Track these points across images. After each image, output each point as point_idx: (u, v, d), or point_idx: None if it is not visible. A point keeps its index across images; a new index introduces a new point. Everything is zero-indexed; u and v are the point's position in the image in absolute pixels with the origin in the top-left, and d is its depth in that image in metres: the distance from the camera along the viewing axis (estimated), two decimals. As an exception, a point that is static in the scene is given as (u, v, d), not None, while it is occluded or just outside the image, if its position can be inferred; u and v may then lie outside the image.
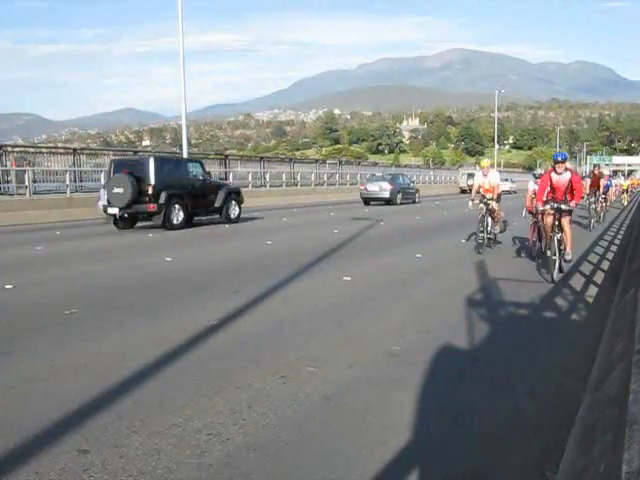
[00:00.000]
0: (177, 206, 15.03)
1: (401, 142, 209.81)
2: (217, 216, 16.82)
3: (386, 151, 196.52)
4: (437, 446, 3.09)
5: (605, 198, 19.44)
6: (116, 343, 4.81)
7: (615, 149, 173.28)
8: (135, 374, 4.02)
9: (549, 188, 8.42)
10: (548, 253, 7.97)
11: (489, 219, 10.86)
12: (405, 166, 54.87)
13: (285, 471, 2.79)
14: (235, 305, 6.08)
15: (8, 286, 7.08)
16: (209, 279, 7.81)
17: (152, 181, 14.54)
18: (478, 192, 11.14)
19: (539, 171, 11.74)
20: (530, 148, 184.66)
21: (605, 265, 9.42)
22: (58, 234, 13.78)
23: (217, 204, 16.59)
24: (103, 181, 18.89)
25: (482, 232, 10.67)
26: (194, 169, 16.48)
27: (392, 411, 3.48)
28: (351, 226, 15.48)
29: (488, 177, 11.10)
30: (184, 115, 26.58)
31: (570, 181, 8.23)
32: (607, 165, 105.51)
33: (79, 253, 10.51)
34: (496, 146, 78.13)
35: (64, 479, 2.68)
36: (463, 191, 39.86)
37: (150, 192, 14.47)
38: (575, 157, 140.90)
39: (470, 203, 11.25)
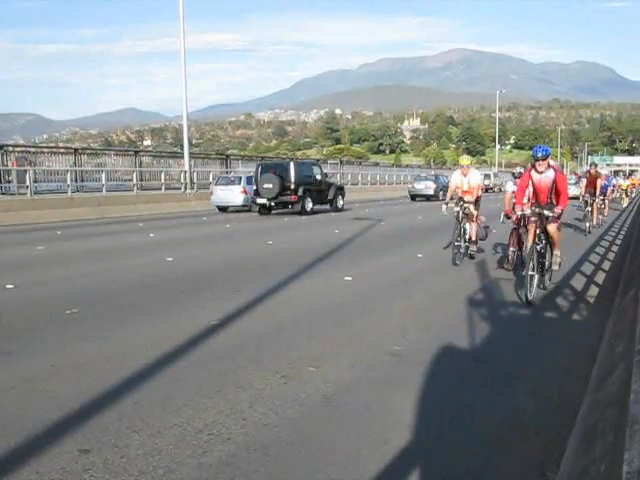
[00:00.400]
0: (309, 198, 20.74)
1: (402, 142, 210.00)
2: (328, 206, 22.33)
3: (387, 151, 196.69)
4: (437, 446, 3.09)
5: (603, 200, 17.85)
6: (117, 343, 4.82)
7: (616, 149, 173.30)
8: (136, 374, 4.02)
9: (530, 189, 7.33)
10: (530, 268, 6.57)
11: (467, 225, 9.54)
12: (407, 166, 54.87)
13: (286, 471, 2.79)
14: (236, 305, 6.08)
15: (9, 286, 7.08)
16: (210, 279, 7.82)
17: (293, 179, 20.13)
18: (455, 194, 9.75)
19: (519, 170, 10.44)
20: (531, 148, 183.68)
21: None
22: (59, 234, 13.79)
23: (330, 197, 22.31)
24: (212, 180, 25.15)
25: (459, 240, 9.29)
26: (316, 170, 22.09)
27: (393, 411, 3.48)
28: (352, 226, 15.48)
29: (468, 177, 9.62)
30: (185, 115, 26.65)
31: (554, 181, 7.03)
32: (608, 165, 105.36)
33: (80, 253, 10.52)
34: (497, 146, 78.22)
35: (65, 479, 2.68)
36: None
37: (292, 187, 20.08)
38: (576, 157, 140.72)
39: (444, 207, 9.76)
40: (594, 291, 7.25)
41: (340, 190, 23.19)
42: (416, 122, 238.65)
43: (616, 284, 7.23)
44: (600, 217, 17.06)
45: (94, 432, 3.13)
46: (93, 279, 7.78)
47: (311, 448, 3.01)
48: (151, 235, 13.48)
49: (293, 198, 20.10)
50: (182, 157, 26.79)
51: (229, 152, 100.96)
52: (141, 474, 2.72)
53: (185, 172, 25.22)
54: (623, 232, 15.79)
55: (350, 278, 7.76)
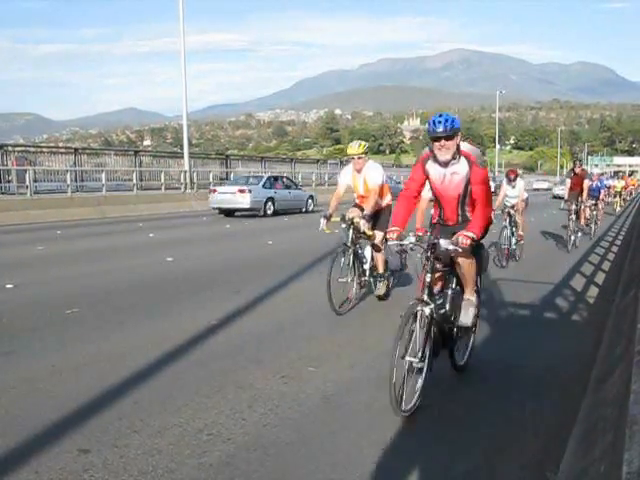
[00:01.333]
0: None
1: (402, 142, 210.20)
2: None
3: (387, 151, 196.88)
4: (437, 446, 3.09)
5: (596, 204, 14.72)
6: (117, 343, 4.81)
7: (616, 150, 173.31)
8: (136, 374, 4.02)
9: (430, 196, 4.49)
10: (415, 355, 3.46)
11: (366, 252, 6.28)
12: (406, 166, 54.92)
13: (285, 471, 2.79)
14: (236, 305, 6.08)
15: (9, 286, 7.08)
16: (210, 279, 7.81)
17: None
18: (336, 204, 6.33)
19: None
20: (531, 149, 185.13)
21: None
22: (59, 233, 13.78)
23: None
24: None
25: (345, 277, 6.01)
26: None
27: (392, 411, 3.48)
28: (352, 226, 15.44)
29: (363, 174, 6.19)
30: (185, 115, 26.65)
31: (468, 182, 3.88)
32: (608, 166, 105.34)
33: (80, 253, 10.51)
34: (497, 147, 78.34)
35: (64, 479, 2.68)
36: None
37: None
38: (576, 158, 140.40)
39: (322, 222, 6.08)
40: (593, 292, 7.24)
41: None
42: (416, 122, 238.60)
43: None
44: (592, 226, 14.24)
45: (94, 432, 3.13)
46: (93, 279, 7.77)
47: (311, 448, 3.01)
48: (151, 235, 13.47)
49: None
50: (182, 157, 26.80)
51: (229, 152, 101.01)
52: (141, 474, 2.72)
53: (185, 172, 25.23)
54: (620, 239, 15.68)
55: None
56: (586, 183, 12.36)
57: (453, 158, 3.82)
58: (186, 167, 25.63)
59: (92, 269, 8.55)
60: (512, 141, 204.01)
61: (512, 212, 9.87)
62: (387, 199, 6.31)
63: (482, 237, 3.88)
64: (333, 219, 6.13)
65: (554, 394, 3.86)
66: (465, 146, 3.89)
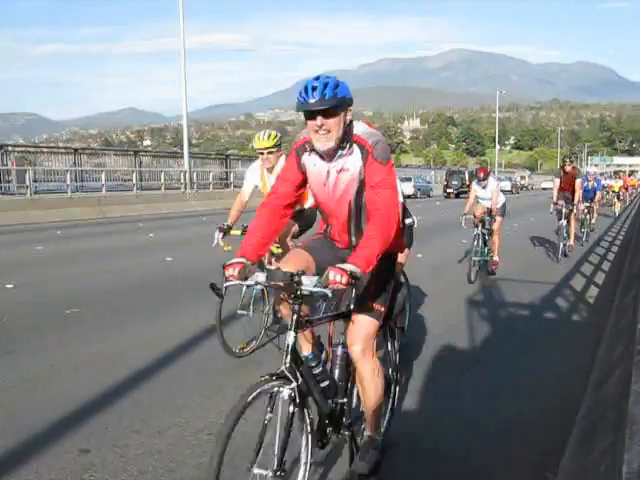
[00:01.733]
0: None
1: (402, 142, 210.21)
2: None
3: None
4: (437, 446, 3.08)
5: (590, 207, 13.49)
6: (116, 343, 4.81)
7: (616, 150, 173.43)
8: (135, 374, 4.02)
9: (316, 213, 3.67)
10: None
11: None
12: (406, 166, 54.96)
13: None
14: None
15: (9, 286, 7.08)
16: (209, 279, 7.80)
17: (467, 179, 36.36)
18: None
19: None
20: (531, 149, 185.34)
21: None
22: (59, 234, 13.78)
23: None
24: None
25: (255, 307, 4.68)
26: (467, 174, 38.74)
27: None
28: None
29: (275, 173, 4.60)
30: (185, 115, 26.65)
31: (362, 182, 2.48)
32: (608, 166, 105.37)
33: (79, 253, 10.51)
34: (497, 146, 78.41)
35: (64, 478, 2.68)
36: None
37: (467, 184, 33.17)
38: (576, 158, 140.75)
39: (217, 235, 4.90)
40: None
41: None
42: (416, 122, 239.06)
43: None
44: (585, 231, 13.03)
45: (94, 432, 3.13)
46: (93, 279, 7.77)
47: (311, 448, 3.01)
48: (151, 235, 13.47)
49: (469, 189, 38.64)
50: (182, 157, 26.80)
51: (229, 152, 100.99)
52: (140, 474, 2.72)
53: (185, 172, 25.23)
54: (619, 245, 15.61)
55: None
56: (578, 182, 10.76)
57: (340, 147, 2.41)
58: (186, 167, 25.63)
59: (92, 269, 8.54)
60: (512, 141, 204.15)
61: (486, 218, 8.44)
62: (309, 202, 4.53)
63: (389, 269, 2.62)
64: (233, 232, 4.80)
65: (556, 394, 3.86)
66: (360, 129, 2.46)
